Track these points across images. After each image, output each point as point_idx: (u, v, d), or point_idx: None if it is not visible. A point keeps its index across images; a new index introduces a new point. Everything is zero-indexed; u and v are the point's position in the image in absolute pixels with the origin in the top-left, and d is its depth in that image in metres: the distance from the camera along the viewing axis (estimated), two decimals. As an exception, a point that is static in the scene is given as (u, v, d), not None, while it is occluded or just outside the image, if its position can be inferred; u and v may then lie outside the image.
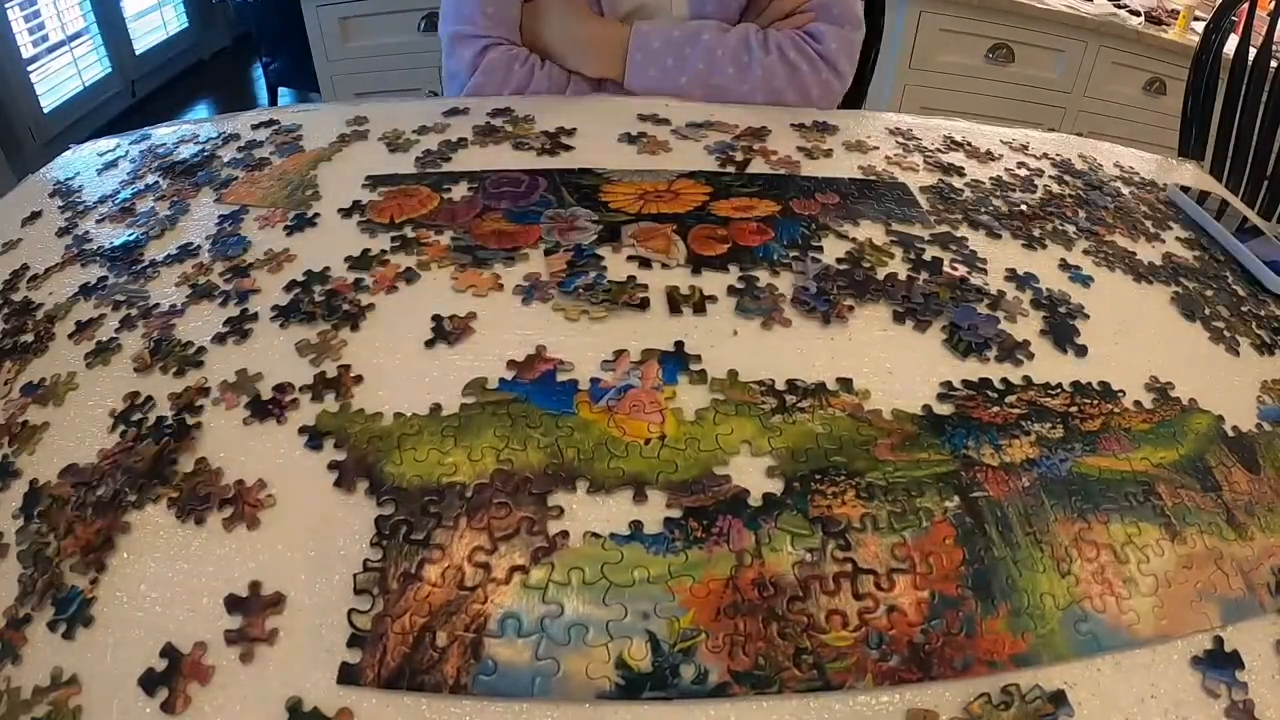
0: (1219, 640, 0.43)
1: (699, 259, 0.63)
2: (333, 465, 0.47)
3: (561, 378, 0.52)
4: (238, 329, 0.57)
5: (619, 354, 0.54)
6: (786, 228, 0.68)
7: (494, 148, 0.78)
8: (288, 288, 0.60)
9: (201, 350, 0.55)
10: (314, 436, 0.49)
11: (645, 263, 0.63)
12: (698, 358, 0.54)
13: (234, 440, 0.49)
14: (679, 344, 0.55)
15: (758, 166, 0.77)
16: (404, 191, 0.72)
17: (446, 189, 0.72)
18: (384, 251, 0.63)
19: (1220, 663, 0.42)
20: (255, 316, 0.57)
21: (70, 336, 0.58)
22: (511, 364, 0.53)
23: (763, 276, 0.62)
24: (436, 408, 0.50)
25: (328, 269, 0.61)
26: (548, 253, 0.63)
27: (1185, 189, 0.83)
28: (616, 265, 0.62)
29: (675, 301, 0.59)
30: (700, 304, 0.59)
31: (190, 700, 0.38)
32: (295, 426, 0.49)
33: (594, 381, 0.52)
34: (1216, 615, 0.44)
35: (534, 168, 0.75)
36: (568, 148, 0.78)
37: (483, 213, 0.69)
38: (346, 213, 0.69)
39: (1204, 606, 0.44)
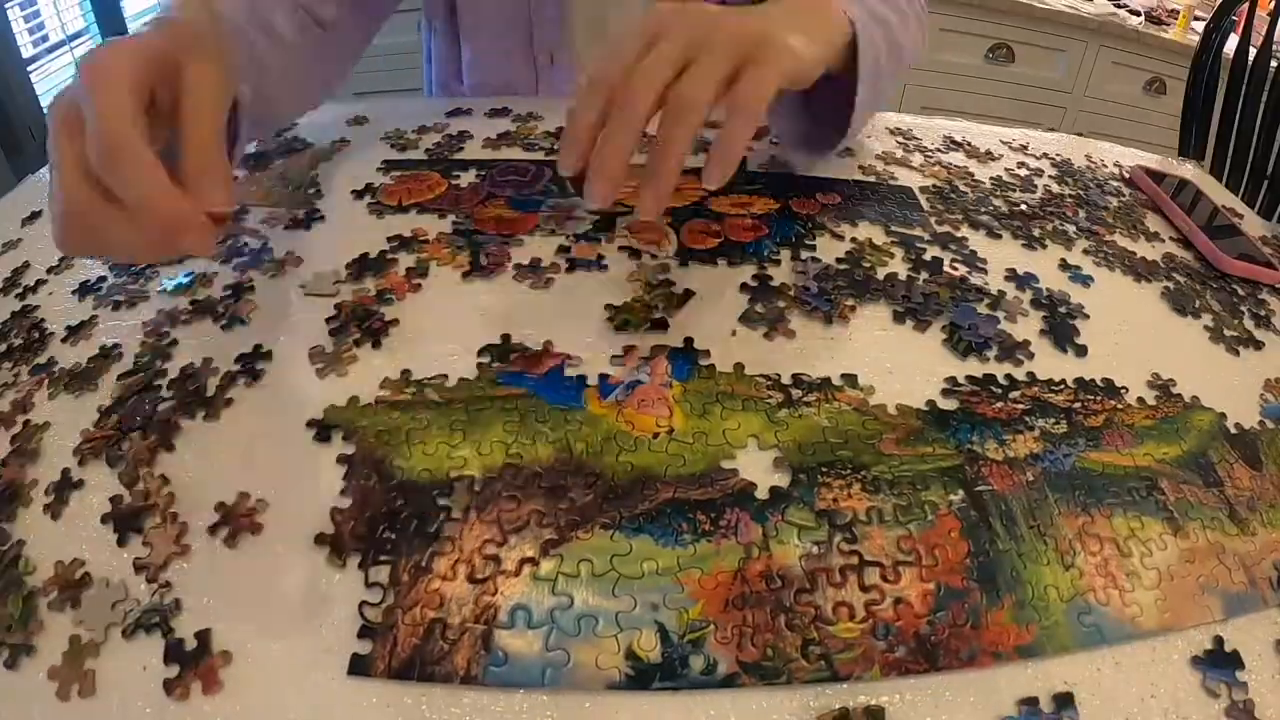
0: (1219, 640, 0.43)
1: (688, 252, 0.64)
2: (341, 459, 0.47)
3: (570, 372, 0.53)
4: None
5: (628, 349, 0.54)
6: (782, 226, 0.68)
7: (506, 149, 0.79)
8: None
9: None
10: (322, 429, 0.49)
11: (635, 253, 0.64)
12: (706, 353, 0.55)
13: (237, 434, 0.50)
14: (688, 340, 0.55)
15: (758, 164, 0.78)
16: (415, 176, 0.73)
17: (456, 175, 0.73)
18: (383, 253, 0.63)
19: (1220, 662, 0.42)
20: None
21: (69, 338, 0.58)
22: (520, 357, 0.54)
23: (772, 278, 0.62)
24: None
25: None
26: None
27: (1149, 170, 0.84)
28: (607, 255, 0.63)
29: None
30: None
31: (194, 692, 0.38)
32: (304, 419, 0.50)
33: (602, 377, 0.52)
34: (1219, 609, 0.44)
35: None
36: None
37: (486, 199, 0.70)
38: (359, 194, 0.71)
39: (1206, 600, 0.44)
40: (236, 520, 0.44)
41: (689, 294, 0.60)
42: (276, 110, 0.71)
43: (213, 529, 0.44)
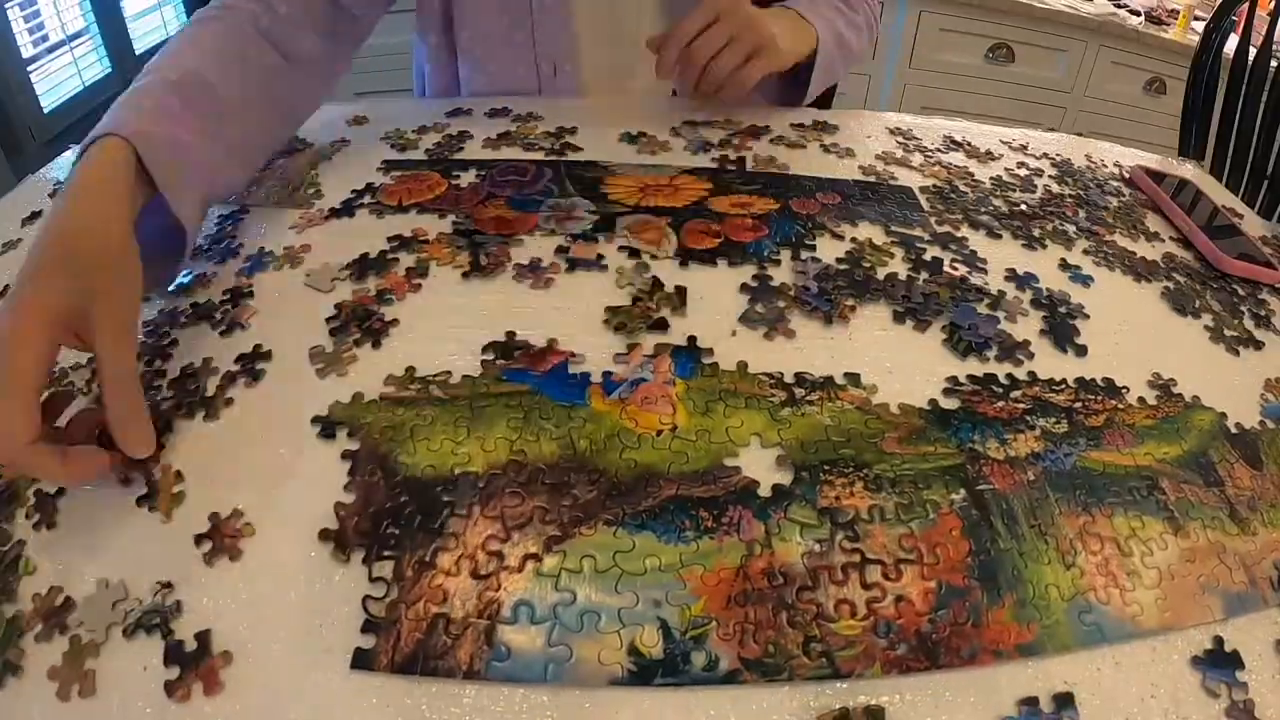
0: (1219, 640, 0.43)
1: (688, 252, 0.64)
2: (346, 454, 0.47)
3: (573, 370, 0.53)
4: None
5: (632, 347, 0.55)
6: (781, 226, 0.68)
7: (506, 149, 0.79)
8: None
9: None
10: (327, 425, 0.49)
11: (634, 253, 0.64)
12: (710, 351, 0.55)
13: (238, 434, 0.50)
14: (691, 339, 0.56)
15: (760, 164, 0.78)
16: (415, 176, 0.73)
17: (456, 175, 0.73)
18: (384, 253, 0.63)
19: (1220, 662, 0.42)
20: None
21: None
22: (525, 354, 0.54)
23: (772, 277, 0.62)
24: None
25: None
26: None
27: (1149, 170, 0.85)
28: (607, 254, 0.63)
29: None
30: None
31: (195, 693, 0.38)
32: (304, 419, 0.50)
33: (606, 374, 0.52)
34: (1219, 608, 0.44)
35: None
36: (576, 148, 0.79)
37: (486, 199, 0.70)
38: (359, 194, 0.71)
39: (1206, 599, 0.45)
40: (221, 537, 0.44)
41: (688, 294, 0.60)
42: (237, 177, 0.68)
43: (198, 539, 0.44)
